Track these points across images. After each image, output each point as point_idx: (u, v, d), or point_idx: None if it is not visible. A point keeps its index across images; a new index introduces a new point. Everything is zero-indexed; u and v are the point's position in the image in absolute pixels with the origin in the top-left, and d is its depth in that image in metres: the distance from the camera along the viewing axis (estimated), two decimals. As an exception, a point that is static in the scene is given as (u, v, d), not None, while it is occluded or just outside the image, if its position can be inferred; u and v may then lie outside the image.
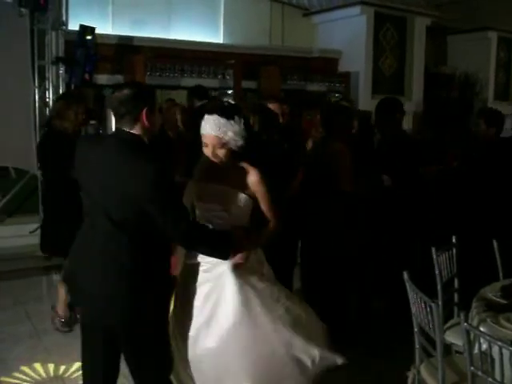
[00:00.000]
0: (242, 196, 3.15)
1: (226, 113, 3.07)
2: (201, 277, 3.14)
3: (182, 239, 2.89)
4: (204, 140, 3.12)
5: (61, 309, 5.03)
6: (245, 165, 3.18)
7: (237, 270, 3.06)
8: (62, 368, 4.33)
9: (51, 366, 4.36)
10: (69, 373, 4.27)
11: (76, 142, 3.01)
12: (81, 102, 5.13)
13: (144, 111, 2.80)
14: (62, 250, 4.71)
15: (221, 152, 3.10)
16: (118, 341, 2.87)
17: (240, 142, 3.09)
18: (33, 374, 4.26)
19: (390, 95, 6.05)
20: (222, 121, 3.04)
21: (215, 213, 3.18)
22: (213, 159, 3.13)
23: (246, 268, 3.11)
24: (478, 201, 4.71)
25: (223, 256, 2.99)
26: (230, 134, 3.05)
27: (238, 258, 3.05)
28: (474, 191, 4.75)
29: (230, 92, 9.30)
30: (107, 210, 2.75)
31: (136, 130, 2.82)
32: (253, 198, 3.18)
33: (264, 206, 3.19)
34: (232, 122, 3.05)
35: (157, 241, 2.80)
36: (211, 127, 3.06)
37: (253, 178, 3.14)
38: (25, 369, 4.29)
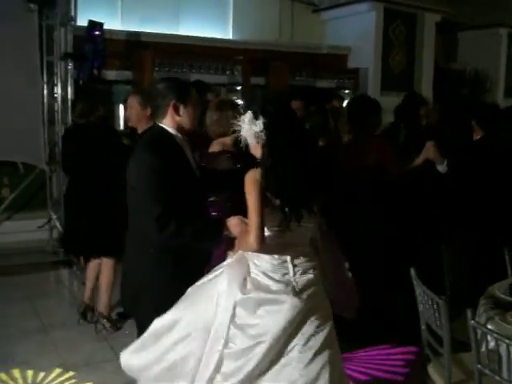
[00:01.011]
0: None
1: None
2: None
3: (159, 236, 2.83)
4: None
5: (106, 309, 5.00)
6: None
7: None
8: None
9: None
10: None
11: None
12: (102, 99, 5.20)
13: (171, 104, 2.89)
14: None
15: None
16: None
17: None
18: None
19: (399, 92, 6.03)
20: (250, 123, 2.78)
21: None
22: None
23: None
24: (486, 199, 4.67)
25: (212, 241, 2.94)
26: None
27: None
28: (480, 190, 4.71)
29: (238, 88, 9.27)
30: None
31: (166, 123, 2.95)
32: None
33: (249, 214, 2.70)
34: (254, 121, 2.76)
35: None
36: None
37: (246, 177, 2.72)
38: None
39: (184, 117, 2.94)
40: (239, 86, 9.22)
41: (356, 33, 10.38)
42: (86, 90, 6.94)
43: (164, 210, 2.76)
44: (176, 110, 2.92)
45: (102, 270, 5.02)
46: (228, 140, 3.92)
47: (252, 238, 2.64)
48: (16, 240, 6.96)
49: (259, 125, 2.71)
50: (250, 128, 2.75)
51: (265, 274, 2.73)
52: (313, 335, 2.67)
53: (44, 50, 7.31)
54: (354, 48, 10.58)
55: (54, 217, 7.35)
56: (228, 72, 9.16)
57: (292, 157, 2.69)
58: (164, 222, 2.76)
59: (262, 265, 2.74)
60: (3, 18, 6.70)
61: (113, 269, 4.95)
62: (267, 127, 2.71)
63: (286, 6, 10.62)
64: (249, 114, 2.75)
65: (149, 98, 4.19)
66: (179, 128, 2.97)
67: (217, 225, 2.90)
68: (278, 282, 2.70)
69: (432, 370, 3.16)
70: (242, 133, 2.78)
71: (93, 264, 5.14)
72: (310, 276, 2.76)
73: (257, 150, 2.78)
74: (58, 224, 7.25)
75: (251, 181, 2.68)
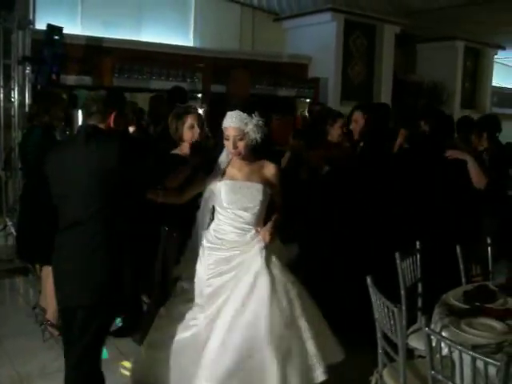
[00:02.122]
0: (265, 190, 3.44)
1: (248, 109, 3.37)
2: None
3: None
4: (226, 133, 3.40)
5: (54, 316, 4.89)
6: (264, 161, 3.52)
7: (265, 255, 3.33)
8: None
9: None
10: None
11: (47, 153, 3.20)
12: (63, 101, 5.11)
13: (113, 115, 3.10)
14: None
15: (241, 144, 3.37)
16: None
17: (259, 136, 3.36)
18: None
19: (358, 101, 6.09)
20: (243, 115, 3.34)
21: (240, 210, 3.41)
22: (232, 153, 3.41)
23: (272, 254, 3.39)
24: (440, 206, 4.75)
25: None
26: (250, 126, 3.34)
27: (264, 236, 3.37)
28: (433, 196, 4.79)
29: (199, 95, 9.27)
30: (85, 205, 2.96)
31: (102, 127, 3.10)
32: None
33: (278, 199, 3.55)
34: (253, 115, 3.35)
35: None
36: (232, 120, 3.36)
37: (273, 170, 3.50)
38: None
39: (116, 125, 3.17)
40: (199, 93, 9.22)
41: (316, 42, 10.50)
42: (39, 93, 6.83)
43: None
44: (114, 120, 3.15)
45: (47, 278, 4.90)
46: (185, 147, 4.06)
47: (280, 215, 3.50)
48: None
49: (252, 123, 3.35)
50: (255, 128, 3.35)
51: None
52: None
53: (1, 53, 7.18)
54: (315, 57, 10.70)
55: (10, 223, 7.20)
56: (188, 79, 9.15)
57: None
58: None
59: None
60: (-42, 19, 6.58)
61: None
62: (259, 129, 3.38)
63: (248, 15, 10.69)
64: (260, 119, 3.37)
65: None
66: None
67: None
68: None
69: (387, 376, 3.19)
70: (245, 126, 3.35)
71: (47, 270, 5.03)
72: None
73: (247, 143, 3.38)
74: (13, 230, 7.10)
75: (278, 170, 3.57)
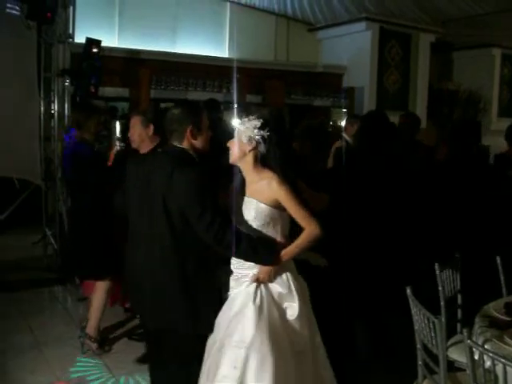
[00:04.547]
0: (258, 205, 2.98)
1: (239, 114, 3.15)
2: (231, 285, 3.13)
3: (214, 241, 2.96)
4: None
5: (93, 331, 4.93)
6: (269, 172, 3.00)
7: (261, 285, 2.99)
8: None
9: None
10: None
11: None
12: (99, 113, 5.04)
13: (188, 129, 3.12)
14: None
15: (234, 148, 3.05)
16: None
17: (257, 141, 2.99)
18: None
19: (394, 111, 6.07)
20: (237, 121, 3.10)
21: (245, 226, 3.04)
22: (234, 163, 3.09)
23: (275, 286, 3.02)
24: (481, 216, 4.69)
25: (264, 261, 2.99)
26: (242, 128, 3.01)
27: (263, 272, 2.99)
28: (475, 205, 4.73)
29: (234, 106, 9.32)
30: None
31: (184, 146, 3.16)
32: (279, 207, 2.98)
33: (294, 213, 2.97)
34: (249, 116, 3.03)
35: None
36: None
37: (273, 182, 2.94)
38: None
39: (199, 140, 3.19)
40: (235, 103, 9.27)
41: (351, 52, 10.48)
42: (76, 107, 6.95)
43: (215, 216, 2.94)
44: (192, 135, 3.15)
45: (94, 292, 4.96)
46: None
47: (312, 227, 2.95)
48: (11, 255, 6.94)
49: (260, 134, 2.98)
50: (250, 130, 2.99)
51: None
52: None
53: (42, 66, 7.34)
54: (350, 67, 10.67)
55: (49, 233, 7.32)
56: (224, 90, 9.22)
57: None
58: (216, 227, 2.93)
59: None
60: (2, 34, 6.74)
61: (105, 292, 4.89)
62: (267, 142, 2.99)
63: (282, 25, 10.73)
64: (257, 122, 2.99)
65: (151, 117, 4.52)
66: (194, 149, 3.20)
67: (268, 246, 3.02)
68: None
69: (428, 389, 3.16)
70: (239, 127, 3.03)
71: (98, 284, 5.07)
72: None
73: (242, 148, 3.01)
74: (52, 240, 7.23)
75: (279, 180, 2.95)
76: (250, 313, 2.91)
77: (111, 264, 4.59)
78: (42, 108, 7.44)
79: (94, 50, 7.54)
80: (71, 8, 7.51)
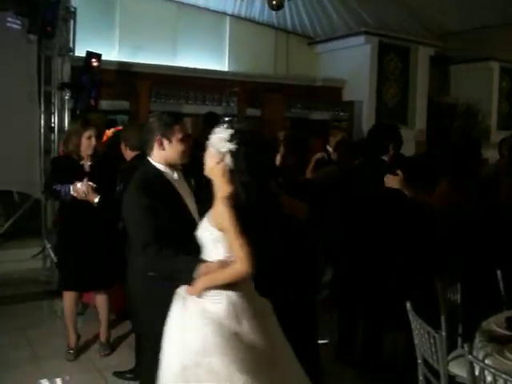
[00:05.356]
0: (210, 227, 2.84)
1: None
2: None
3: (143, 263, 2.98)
4: None
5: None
6: (227, 189, 2.85)
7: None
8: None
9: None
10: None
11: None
12: (88, 127, 4.78)
13: (157, 139, 3.12)
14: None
15: (207, 163, 2.92)
16: None
17: (224, 153, 2.83)
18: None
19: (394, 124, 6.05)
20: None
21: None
22: (207, 175, 2.95)
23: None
24: (482, 231, 4.68)
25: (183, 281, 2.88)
26: (215, 143, 2.87)
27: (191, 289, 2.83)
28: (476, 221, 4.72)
29: (234, 119, 9.34)
30: None
31: (153, 157, 3.17)
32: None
33: (231, 241, 2.75)
34: (216, 131, 2.91)
35: None
36: None
37: (220, 204, 2.79)
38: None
39: (168, 151, 3.13)
40: (235, 117, 9.30)
41: (351, 66, 10.51)
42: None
43: (147, 239, 2.91)
44: (160, 145, 3.13)
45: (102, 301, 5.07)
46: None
47: (243, 265, 2.71)
48: (10, 269, 6.92)
49: (227, 147, 2.81)
50: (218, 142, 2.84)
51: None
52: None
53: (42, 79, 7.36)
54: (349, 81, 10.70)
55: (48, 246, 7.30)
56: (224, 103, 9.24)
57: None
58: (147, 250, 2.91)
59: None
60: (3, 47, 6.77)
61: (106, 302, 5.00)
62: (234, 155, 2.81)
63: (282, 39, 10.77)
64: (226, 134, 2.84)
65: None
66: (166, 161, 3.15)
67: (193, 266, 2.85)
68: None
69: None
70: (210, 139, 2.87)
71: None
72: None
73: (211, 160, 2.87)
74: (51, 253, 7.21)
75: (225, 209, 2.73)
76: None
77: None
78: (42, 121, 7.46)
79: (94, 64, 7.57)
80: (71, 22, 7.57)
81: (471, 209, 4.60)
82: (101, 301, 5.03)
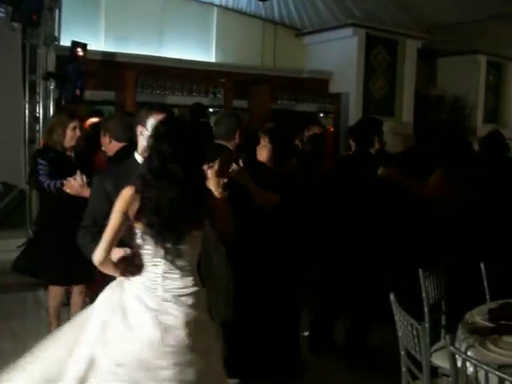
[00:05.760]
0: None
1: None
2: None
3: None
4: None
5: None
6: None
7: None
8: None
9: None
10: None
11: None
12: (72, 118, 4.65)
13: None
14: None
15: None
16: None
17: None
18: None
19: (381, 117, 6.06)
20: None
21: None
22: None
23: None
24: (465, 223, 4.71)
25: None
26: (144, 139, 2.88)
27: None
28: (459, 213, 4.75)
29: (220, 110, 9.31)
30: None
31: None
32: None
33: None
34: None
35: None
36: None
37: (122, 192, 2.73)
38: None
39: (107, 148, 3.55)
40: (221, 108, 9.27)
41: (338, 58, 10.50)
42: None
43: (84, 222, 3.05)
44: (104, 143, 3.61)
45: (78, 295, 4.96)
46: None
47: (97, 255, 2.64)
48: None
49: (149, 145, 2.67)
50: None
51: None
52: None
53: (27, 69, 7.29)
54: (336, 73, 10.69)
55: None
56: (210, 95, 9.21)
57: (164, 184, 2.60)
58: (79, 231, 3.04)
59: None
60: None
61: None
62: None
63: (269, 30, 10.72)
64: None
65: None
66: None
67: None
68: None
69: (411, 396, 3.15)
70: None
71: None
72: None
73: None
74: (36, 244, 7.16)
75: (122, 197, 2.63)
76: None
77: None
78: (27, 111, 7.40)
79: (80, 53, 7.49)
80: (57, 10, 7.49)
81: (467, 203, 4.65)
82: (77, 298, 4.95)
